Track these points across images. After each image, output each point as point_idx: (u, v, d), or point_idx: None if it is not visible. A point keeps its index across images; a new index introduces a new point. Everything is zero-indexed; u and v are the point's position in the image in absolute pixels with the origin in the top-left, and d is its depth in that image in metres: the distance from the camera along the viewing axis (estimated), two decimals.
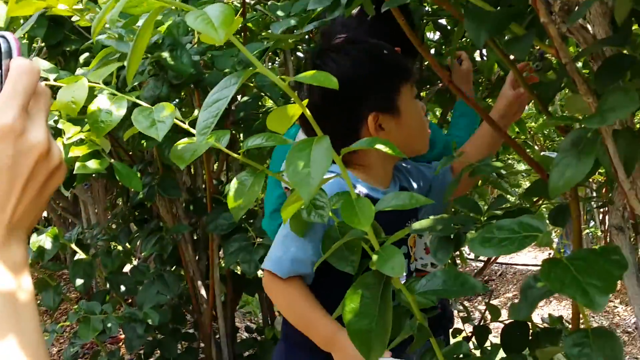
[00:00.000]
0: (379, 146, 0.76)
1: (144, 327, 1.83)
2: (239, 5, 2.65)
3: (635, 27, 1.11)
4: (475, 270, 5.79)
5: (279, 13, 1.72)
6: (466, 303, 4.69)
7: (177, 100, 1.85)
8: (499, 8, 0.74)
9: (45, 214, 4.44)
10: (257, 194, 0.90)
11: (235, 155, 1.06)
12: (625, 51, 0.73)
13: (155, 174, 2.05)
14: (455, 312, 2.44)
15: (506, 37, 0.79)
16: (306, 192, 0.65)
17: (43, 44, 1.78)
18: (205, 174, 2.08)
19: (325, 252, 0.97)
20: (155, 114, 1.08)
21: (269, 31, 1.38)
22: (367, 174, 1.15)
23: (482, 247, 0.67)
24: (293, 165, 0.68)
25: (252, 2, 2.43)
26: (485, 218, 1.09)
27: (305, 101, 0.79)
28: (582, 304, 0.59)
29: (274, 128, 0.81)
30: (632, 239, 0.90)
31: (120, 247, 2.35)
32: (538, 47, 1.03)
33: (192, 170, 2.43)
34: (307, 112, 0.75)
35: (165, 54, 1.24)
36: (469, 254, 4.83)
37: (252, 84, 1.72)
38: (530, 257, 5.90)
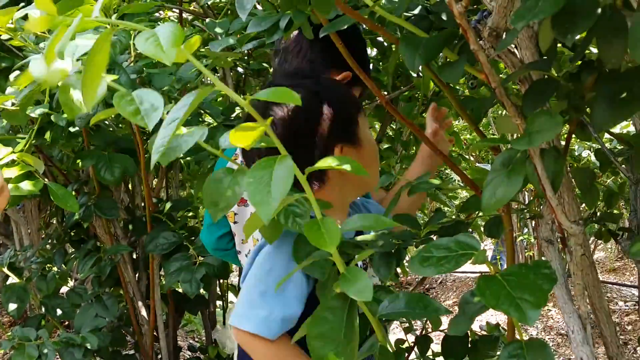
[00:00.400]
0: (346, 166, 0.76)
1: (82, 351, 1.77)
2: (174, 21, 2.64)
3: (563, 48, 1.17)
4: (417, 280, 5.89)
5: (218, 30, 1.72)
6: None
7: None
8: (432, 34, 0.77)
9: None
10: (238, 196, 0.80)
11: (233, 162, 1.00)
12: (550, 75, 0.77)
13: (92, 193, 2.01)
14: (397, 322, 2.47)
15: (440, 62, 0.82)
16: (265, 213, 0.64)
17: None
18: (144, 191, 2.05)
19: (296, 255, 0.94)
20: (137, 99, 0.95)
21: (208, 48, 1.38)
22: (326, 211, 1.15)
23: (422, 267, 0.69)
24: (254, 184, 0.67)
25: (190, 17, 2.42)
26: (424, 233, 1.12)
27: (269, 119, 0.79)
28: (516, 318, 0.62)
29: (236, 143, 0.78)
30: (560, 252, 0.95)
31: (55, 269, 2.28)
32: None
33: (130, 188, 2.38)
34: (270, 131, 0.74)
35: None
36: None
37: None
38: (469, 265, 6.06)
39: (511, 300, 0.63)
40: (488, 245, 7.27)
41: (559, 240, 0.90)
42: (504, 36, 0.87)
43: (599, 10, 0.59)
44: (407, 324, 2.01)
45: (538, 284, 0.65)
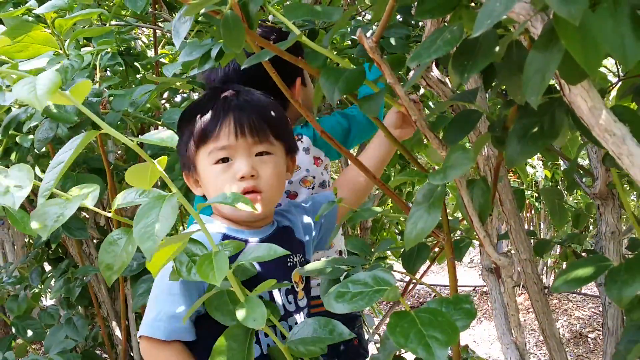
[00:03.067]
0: (241, 205, 0.77)
1: None
2: (146, 42, 2.65)
3: None
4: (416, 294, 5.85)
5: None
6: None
7: None
8: (353, 67, 0.76)
9: None
10: (131, 255, 0.79)
11: (104, 213, 0.99)
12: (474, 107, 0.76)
13: None
14: (372, 344, 2.46)
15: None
16: (149, 248, 0.65)
17: None
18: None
19: (207, 304, 0.95)
20: (12, 177, 0.91)
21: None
22: (238, 214, 1.16)
23: (336, 302, 0.69)
24: (142, 221, 0.68)
25: (170, 35, 2.43)
26: (374, 259, 1.11)
27: (163, 158, 0.78)
28: (424, 358, 0.61)
29: (133, 184, 0.79)
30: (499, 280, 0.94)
31: (35, 289, 2.26)
32: None
33: (105, 208, 2.38)
34: (163, 173, 0.75)
35: (50, 103, 1.22)
36: None
37: (159, 122, 1.71)
38: (468, 277, 6.01)
39: (420, 339, 0.62)
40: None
41: (493, 270, 0.89)
42: (432, 65, 0.87)
43: (500, 47, 0.59)
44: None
45: (451, 322, 0.65)
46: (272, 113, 1.19)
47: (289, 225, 1.25)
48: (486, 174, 0.88)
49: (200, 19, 1.31)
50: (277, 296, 1.14)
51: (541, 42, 0.54)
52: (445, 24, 0.82)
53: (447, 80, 0.84)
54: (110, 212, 0.89)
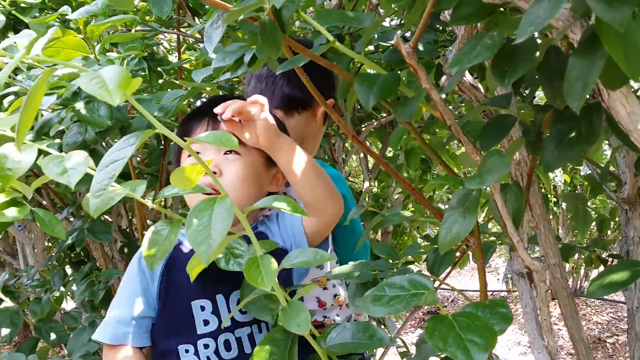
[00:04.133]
0: (279, 204, 0.78)
1: None
2: (167, 47, 2.67)
3: None
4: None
5: (212, 55, 1.73)
6: (409, 335, 4.71)
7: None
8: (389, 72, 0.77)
9: None
10: (173, 244, 0.88)
11: (150, 204, 1.06)
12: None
13: (87, 217, 2.02)
14: (394, 347, 2.45)
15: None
16: (205, 253, 0.65)
17: None
18: (137, 216, 2.06)
19: (248, 307, 0.97)
20: (66, 161, 1.05)
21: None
22: None
23: (373, 306, 0.69)
24: (194, 224, 0.68)
25: (192, 40, 2.45)
26: (402, 263, 1.11)
27: (209, 161, 0.80)
28: None
29: (178, 186, 0.81)
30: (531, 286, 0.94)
31: (57, 292, 2.28)
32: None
33: (128, 212, 2.40)
34: (210, 172, 0.76)
35: (80, 106, 1.24)
36: None
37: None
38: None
39: (459, 343, 0.63)
40: (499, 264, 7.20)
41: (524, 275, 0.89)
42: (466, 72, 0.88)
43: (540, 53, 0.59)
44: (403, 349, 2.00)
45: (488, 326, 0.65)
46: None
47: (263, 232, 1.20)
48: (518, 179, 0.88)
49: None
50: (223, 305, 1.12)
51: (582, 48, 0.54)
52: (478, 30, 0.82)
53: (479, 85, 0.84)
54: (155, 203, 0.92)
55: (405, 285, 0.70)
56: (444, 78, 0.87)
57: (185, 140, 0.72)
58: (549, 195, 3.62)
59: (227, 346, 1.09)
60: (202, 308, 1.11)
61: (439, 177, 0.84)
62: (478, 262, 0.97)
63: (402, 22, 1.37)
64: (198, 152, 1.12)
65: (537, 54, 0.59)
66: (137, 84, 0.70)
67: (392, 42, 1.08)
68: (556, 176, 3.34)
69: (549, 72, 0.61)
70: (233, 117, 1.06)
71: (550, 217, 4.15)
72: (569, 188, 3.49)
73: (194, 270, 0.86)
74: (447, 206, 1.21)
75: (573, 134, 0.64)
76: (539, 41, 0.65)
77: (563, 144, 0.64)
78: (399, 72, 0.96)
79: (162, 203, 2.46)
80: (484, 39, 0.58)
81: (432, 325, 0.65)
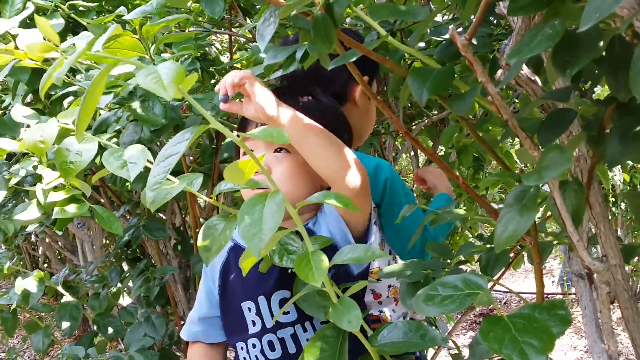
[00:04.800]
0: (331, 201, 0.77)
1: None
2: (220, 48, 2.69)
3: None
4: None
5: (263, 55, 1.74)
6: (460, 337, 4.64)
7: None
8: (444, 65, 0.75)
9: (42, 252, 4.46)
10: (228, 239, 0.89)
11: (206, 198, 1.08)
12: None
13: (143, 214, 2.06)
14: (445, 349, 2.41)
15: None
16: (256, 248, 0.66)
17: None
18: (190, 213, 2.09)
19: (300, 302, 0.97)
20: (127, 155, 1.08)
21: None
22: None
23: (426, 305, 0.67)
24: (245, 219, 0.69)
25: (244, 40, 2.48)
26: (455, 263, 1.09)
27: (262, 156, 0.80)
28: None
29: (231, 180, 0.82)
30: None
31: (114, 287, 2.35)
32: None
33: (182, 210, 2.44)
34: (263, 168, 0.76)
35: (136, 105, 1.26)
36: None
37: (235, 125, 1.74)
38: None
39: (516, 345, 0.61)
40: (554, 265, 7.01)
41: (584, 276, 0.86)
42: (523, 65, 0.85)
43: (603, 42, 0.57)
44: (455, 351, 1.97)
45: (547, 327, 0.62)
46: (312, 114, 1.08)
47: (311, 229, 1.17)
48: (577, 175, 0.85)
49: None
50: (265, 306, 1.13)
51: None
52: (535, 21, 0.79)
53: (536, 78, 0.82)
54: (211, 197, 0.94)
55: (459, 285, 0.68)
56: (499, 72, 0.85)
57: (238, 136, 0.72)
58: (608, 195, 3.51)
59: (271, 346, 1.11)
60: (249, 309, 1.14)
61: (494, 174, 0.82)
62: (535, 263, 0.94)
63: (455, 16, 1.34)
64: (252, 150, 1.13)
65: (601, 43, 0.56)
66: (192, 81, 0.71)
67: (446, 36, 1.06)
68: (615, 175, 3.22)
69: (613, 63, 0.58)
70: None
71: (609, 217, 4.01)
72: (628, 187, 3.36)
73: (245, 264, 0.87)
74: (500, 206, 1.17)
75: (638, 128, 0.61)
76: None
77: (627, 138, 0.61)
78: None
79: (216, 199, 2.49)
80: (545, 28, 0.56)
81: (487, 327, 0.63)
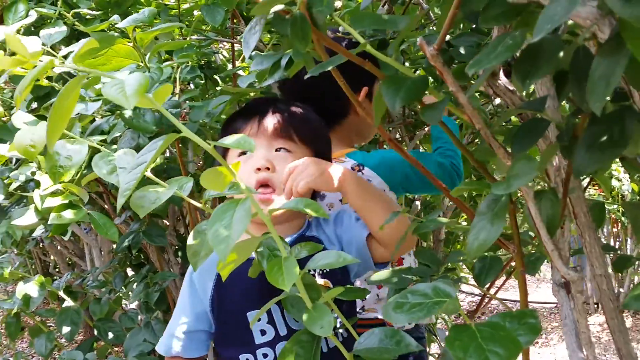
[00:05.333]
0: (306, 207, 0.78)
1: None
2: (227, 56, 2.72)
3: None
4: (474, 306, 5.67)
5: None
6: None
7: None
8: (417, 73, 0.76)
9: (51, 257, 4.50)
10: None
11: (196, 203, 1.08)
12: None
13: (144, 220, 2.08)
14: None
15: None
16: (223, 252, 0.67)
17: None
18: (190, 220, 2.11)
19: (284, 303, 0.98)
20: (118, 160, 1.09)
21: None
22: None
23: (394, 313, 0.68)
24: (215, 224, 0.70)
25: None
26: (443, 271, 1.09)
27: (237, 163, 0.81)
28: None
29: (208, 187, 0.82)
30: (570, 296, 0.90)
31: (119, 293, 2.36)
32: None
33: (184, 216, 2.46)
34: (236, 175, 0.77)
35: (127, 112, 1.28)
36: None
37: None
38: (549, 293, 5.79)
39: (480, 353, 0.61)
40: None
41: (564, 285, 0.86)
42: (500, 73, 0.85)
43: (567, 53, 0.57)
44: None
45: (513, 337, 0.62)
46: (301, 117, 1.20)
47: (316, 236, 1.19)
48: (557, 185, 0.85)
49: (273, 29, 1.34)
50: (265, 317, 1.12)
51: (607, 47, 0.52)
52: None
53: (514, 88, 0.82)
54: (200, 202, 0.95)
55: (428, 293, 0.69)
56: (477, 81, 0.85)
57: (210, 144, 0.73)
58: (615, 205, 3.47)
59: None
60: (259, 319, 1.11)
61: (466, 183, 0.82)
62: (518, 271, 0.94)
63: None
64: (246, 152, 1.17)
65: (561, 54, 0.56)
66: (167, 92, 0.72)
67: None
68: (623, 185, 3.19)
69: (577, 74, 0.58)
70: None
71: (619, 227, 3.97)
72: (638, 197, 3.33)
73: (224, 270, 0.88)
74: None
75: (605, 138, 0.61)
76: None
77: (594, 147, 0.61)
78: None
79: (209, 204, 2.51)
80: (506, 39, 0.57)
81: (453, 335, 0.63)
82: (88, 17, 1.90)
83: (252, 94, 1.42)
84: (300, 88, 1.30)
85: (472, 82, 1.37)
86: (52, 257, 4.61)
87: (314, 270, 1.13)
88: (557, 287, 0.88)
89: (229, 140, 0.70)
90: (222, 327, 1.16)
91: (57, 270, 4.67)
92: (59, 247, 3.94)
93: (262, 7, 0.70)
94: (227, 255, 0.64)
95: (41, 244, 3.94)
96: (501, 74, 0.83)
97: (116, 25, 1.25)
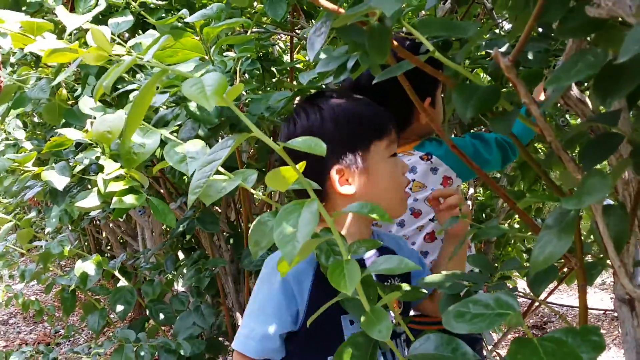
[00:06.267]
0: (374, 215, 0.79)
1: (176, 357, 1.88)
2: (283, 48, 2.73)
3: None
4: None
5: (322, 56, 1.76)
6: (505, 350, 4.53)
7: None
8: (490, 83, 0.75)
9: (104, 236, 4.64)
10: None
11: (259, 195, 1.09)
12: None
13: (198, 207, 2.12)
14: None
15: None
16: (289, 254, 0.68)
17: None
18: (243, 208, 2.14)
19: (344, 302, 0.99)
20: (187, 149, 1.13)
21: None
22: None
23: (456, 322, 0.68)
24: (281, 225, 0.71)
25: (305, 42, 2.51)
26: (497, 278, 1.08)
27: (302, 164, 0.82)
28: None
29: (272, 186, 0.84)
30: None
31: (169, 275, 2.43)
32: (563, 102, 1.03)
33: (235, 204, 2.50)
34: (301, 176, 0.78)
35: (192, 105, 1.31)
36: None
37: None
38: (597, 299, 5.66)
39: None
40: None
41: (627, 301, 0.84)
42: (572, 85, 0.84)
43: None
44: None
45: (576, 354, 0.62)
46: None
47: (390, 247, 1.21)
48: (625, 200, 0.83)
49: (338, 36, 1.35)
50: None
51: None
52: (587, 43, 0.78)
53: (587, 99, 0.80)
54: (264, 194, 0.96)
55: (490, 304, 0.69)
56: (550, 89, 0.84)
57: (278, 145, 0.74)
58: None
59: (385, 356, 1.11)
60: (351, 322, 1.09)
61: (533, 196, 0.81)
62: (579, 284, 0.93)
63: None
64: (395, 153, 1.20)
65: None
66: (239, 90, 0.73)
67: (502, 49, 1.05)
68: None
69: None
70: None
71: None
72: None
73: (281, 268, 0.89)
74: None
75: None
76: None
77: None
78: (501, 83, 0.93)
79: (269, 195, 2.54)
80: (587, 55, 0.56)
81: (515, 348, 0.63)
82: (152, 6, 1.95)
83: (312, 91, 1.44)
84: (369, 93, 1.29)
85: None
86: (104, 235, 4.75)
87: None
88: (619, 302, 0.87)
89: (297, 141, 0.71)
90: (313, 330, 1.06)
91: (108, 248, 4.81)
92: (112, 227, 4.06)
93: (343, 19, 0.70)
94: (294, 258, 0.65)
95: (96, 222, 4.06)
96: (573, 84, 0.81)
97: (185, 20, 1.28)
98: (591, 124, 0.74)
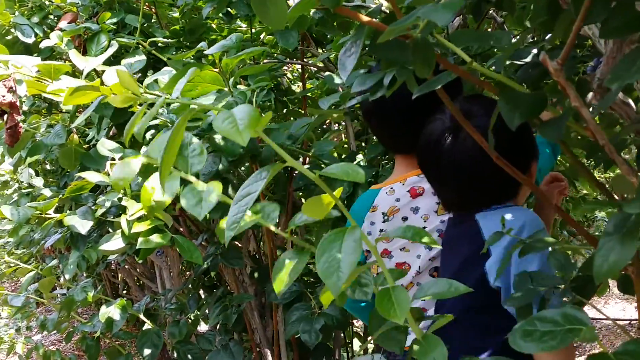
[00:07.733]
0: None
1: None
2: (291, 77, 2.73)
3: None
4: None
5: (337, 82, 1.76)
6: None
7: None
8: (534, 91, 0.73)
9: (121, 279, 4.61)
10: (299, 272, 0.89)
11: (282, 233, 1.06)
12: None
13: (220, 243, 2.10)
14: None
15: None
16: (335, 286, 0.65)
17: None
18: (266, 242, 2.11)
19: (373, 331, 0.95)
20: (205, 193, 1.10)
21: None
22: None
23: (523, 342, 0.65)
24: (324, 255, 0.68)
25: (315, 70, 2.50)
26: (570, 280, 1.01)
27: (339, 190, 0.80)
28: None
29: (310, 215, 0.81)
30: None
31: (191, 314, 2.39)
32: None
33: (258, 238, 2.47)
34: (340, 203, 0.76)
35: (217, 136, 1.29)
36: None
37: (310, 154, 1.76)
38: (619, 309, 5.56)
39: None
40: None
41: None
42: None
43: None
44: None
45: None
46: None
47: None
48: None
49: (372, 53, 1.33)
50: None
51: None
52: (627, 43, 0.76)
53: (630, 101, 0.78)
54: (286, 232, 0.93)
55: (558, 320, 0.65)
56: (590, 95, 0.82)
57: (314, 173, 0.72)
58: None
59: None
60: None
61: (590, 203, 0.78)
62: (638, 294, 0.89)
63: (535, 39, 1.31)
64: None
65: None
66: (267, 120, 0.71)
67: (527, 59, 1.03)
68: None
69: None
70: None
71: None
72: None
73: (323, 298, 0.86)
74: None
75: None
76: None
77: None
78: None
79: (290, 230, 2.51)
80: None
81: None
82: (160, 44, 1.95)
83: (334, 115, 1.42)
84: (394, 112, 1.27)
85: None
86: (120, 279, 4.71)
87: None
88: None
89: (334, 168, 0.68)
90: None
91: (124, 292, 4.77)
92: (128, 269, 4.02)
93: (387, 34, 0.68)
94: (340, 289, 0.62)
95: (115, 266, 4.03)
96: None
97: (205, 52, 1.27)
98: (638, 126, 0.72)
